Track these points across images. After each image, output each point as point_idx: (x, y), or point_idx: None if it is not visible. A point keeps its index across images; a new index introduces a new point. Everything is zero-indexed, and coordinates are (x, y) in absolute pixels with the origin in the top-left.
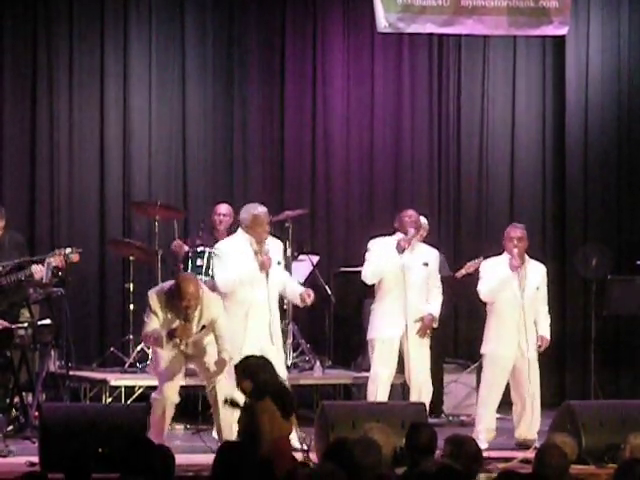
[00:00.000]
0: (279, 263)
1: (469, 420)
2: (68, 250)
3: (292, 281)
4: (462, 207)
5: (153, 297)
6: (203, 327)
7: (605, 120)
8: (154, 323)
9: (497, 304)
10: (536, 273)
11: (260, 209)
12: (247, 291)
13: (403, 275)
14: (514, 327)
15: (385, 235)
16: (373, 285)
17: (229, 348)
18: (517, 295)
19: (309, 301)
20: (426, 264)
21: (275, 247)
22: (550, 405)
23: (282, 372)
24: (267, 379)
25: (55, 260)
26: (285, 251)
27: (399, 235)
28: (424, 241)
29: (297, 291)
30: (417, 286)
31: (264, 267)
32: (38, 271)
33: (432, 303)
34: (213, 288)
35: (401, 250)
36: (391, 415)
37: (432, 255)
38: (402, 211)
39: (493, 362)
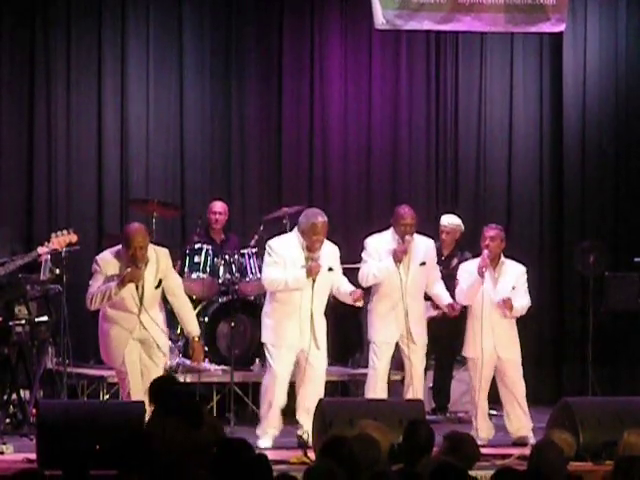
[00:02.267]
0: (330, 269)
1: (467, 417)
2: (65, 232)
3: (344, 283)
4: (459, 204)
5: (102, 259)
6: (160, 282)
7: (602, 116)
8: (99, 283)
9: (472, 307)
10: (512, 274)
11: (320, 219)
12: (291, 293)
13: (401, 281)
14: (488, 329)
15: (381, 230)
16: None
17: (194, 319)
18: (491, 297)
19: (359, 301)
20: (423, 263)
21: (329, 253)
22: (547, 401)
23: (323, 377)
24: (168, 401)
25: (54, 243)
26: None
27: (394, 234)
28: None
29: (347, 291)
30: (416, 288)
31: (311, 273)
32: (44, 252)
33: (443, 294)
34: (211, 285)
35: (398, 261)
36: (389, 412)
37: (429, 250)
38: (398, 208)
39: (474, 365)
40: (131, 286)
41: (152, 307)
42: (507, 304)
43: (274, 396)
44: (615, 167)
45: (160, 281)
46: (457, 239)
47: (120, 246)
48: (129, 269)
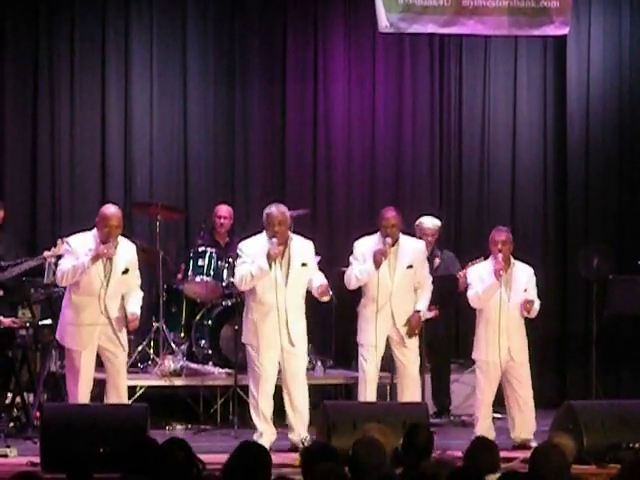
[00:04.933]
0: (304, 265)
1: (471, 420)
2: (65, 239)
3: (317, 277)
4: (463, 207)
5: (73, 240)
6: (126, 271)
7: (607, 119)
8: (71, 261)
9: (484, 309)
10: (522, 275)
11: (273, 208)
12: (265, 292)
13: (386, 284)
14: (503, 331)
15: (370, 233)
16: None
17: (138, 307)
18: (504, 299)
19: (324, 296)
20: (410, 266)
21: (302, 248)
22: (551, 405)
23: (301, 374)
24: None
25: (60, 249)
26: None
27: (380, 237)
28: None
29: (315, 285)
30: (402, 290)
31: (270, 257)
32: (49, 254)
33: (420, 300)
34: (215, 288)
35: (378, 263)
36: (392, 415)
37: (418, 252)
38: (383, 210)
39: (484, 368)
40: (99, 268)
41: (117, 296)
42: (530, 306)
43: (259, 399)
44: (619, 170)
45: (127, 270)
46: (437, 239)
47: (90, 231)
48: (102, 245)
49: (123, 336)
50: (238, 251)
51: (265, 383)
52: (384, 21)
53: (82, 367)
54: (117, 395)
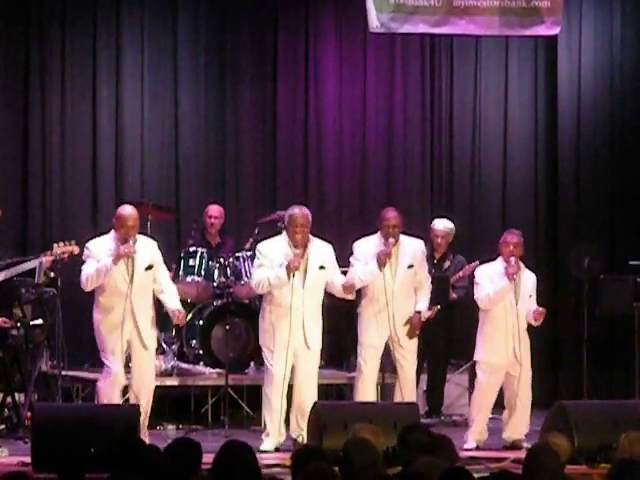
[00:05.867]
0: (322, 268)
1: (461, 420)
2: (61, 244)
3: (337, 278)
4: (454, 206)
5: (92, 244)
6: (150, 267)
7: (597, 119)
8: (93, 265)
9: (492, 311)
10: (528, 281)
11: (297, 210)
12: (283, 295)
13: (389, 284)
14: (509, 334)
15: (369, 234)
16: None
17: (177, 301)
18: (512, 302)
19: (350, 295)
20: (411, 266)
21: (321, 251)
22: (542, 405)
23: (313, 376)
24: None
25: (58, 251)
26: None
27: (380, 237)
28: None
29: (338, 283)
30: (404, 291)
31: (289, 269)
32: (48, 259)
33: (420, 300)
34: (206, 288)
35: (382, 264)
36: (383, 415)
37: (417, 251)
38: (383, 210)
39: (487, 370)
40: (122, 268)
41: (143, 293)
42: (541, 316)
43: (271, 399)
44: (610, 170)
45: (150, 266)
46: (450, 242)
47: (108, 234)
48: (122, 245)
49: (150, 335)
50: (257, 252)
51: (278, 384)
52: (375, 21)
53: (112, 369)
54: (138, 395)
